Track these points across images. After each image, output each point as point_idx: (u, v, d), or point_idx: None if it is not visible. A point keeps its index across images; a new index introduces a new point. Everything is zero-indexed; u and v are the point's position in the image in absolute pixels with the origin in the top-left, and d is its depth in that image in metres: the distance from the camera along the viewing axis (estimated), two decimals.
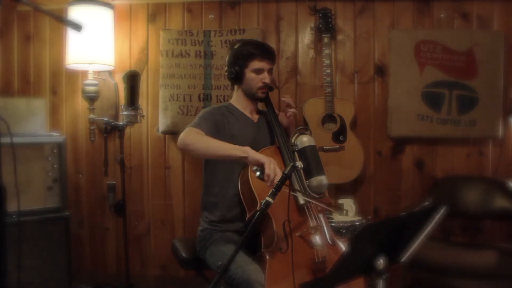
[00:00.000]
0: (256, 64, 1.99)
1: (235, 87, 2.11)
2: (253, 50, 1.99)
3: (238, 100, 2.10)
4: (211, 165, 2.05)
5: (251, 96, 2.06)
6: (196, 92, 2.83)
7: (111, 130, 2.88)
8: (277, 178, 1.60)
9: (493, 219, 2.69)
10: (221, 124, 1.99)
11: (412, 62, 2.73)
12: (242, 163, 1.94)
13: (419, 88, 2.73)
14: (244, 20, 2.88)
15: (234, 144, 1.89)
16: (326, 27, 2.68)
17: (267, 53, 2.02)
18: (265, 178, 1.63)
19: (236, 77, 2.02)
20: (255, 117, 2.14)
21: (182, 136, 1.87)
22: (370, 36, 2.83)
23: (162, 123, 2.86)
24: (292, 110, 2.16)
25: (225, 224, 2.00)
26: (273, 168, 1.64)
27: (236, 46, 2.04)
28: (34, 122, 2.62)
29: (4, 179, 1.53)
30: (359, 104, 2.83)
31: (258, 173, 1.65)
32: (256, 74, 2.00)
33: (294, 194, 1.82)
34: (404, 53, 2.74)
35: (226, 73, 2.08)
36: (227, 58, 2.06)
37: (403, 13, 2.81)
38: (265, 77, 2.01)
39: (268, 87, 2.05)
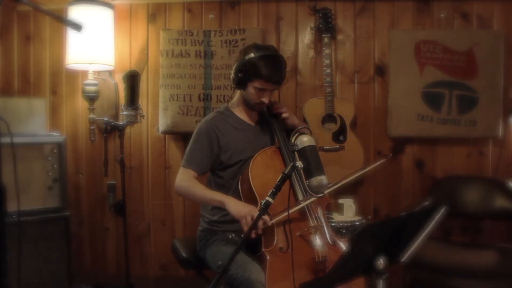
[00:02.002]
0: (260, 83, 1.93)
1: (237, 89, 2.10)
2: (262, 70, 1.90)
3: (237, 103, 2.09)
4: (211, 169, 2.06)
5: (248, 106, 2.05)
6: (196, 92, 2.83)
7: (111, 130, 2.88)
8: (260, 227, 1.69)
9: (493, 219, 2.69)
10: (215, 139, 2.00)
11: (412, 62, 2.73)
12: (244, 167, 1.96)
13: (419, 88, 2.73)
14: (244, 20, 2.88)
15: (234, 151, 1.98)
16: (326, 27, 2.68)
17: (274, 77, 1.95)
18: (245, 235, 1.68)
19: (238, 84, 2.00)
20: (254, 119, 2.13)
21: (176, 182, 2.00)
22: (370, 36, 2.83)
23: (162, 123, 2.86)
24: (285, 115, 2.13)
25: (225, 225, 1.99)
26: (250, 221, 1.70)
27: (247, 57, 1.94)
28: (34, 122, 2.62)
29: (4, 179, 1.53)
30: (359, 104, 2.83)
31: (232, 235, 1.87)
32: (258, 91, 1.96)
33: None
34: (404, 53, 2.74)
35: (231, 75, 2.03)
36: (236, 63, 2.00)
37: (403, 13, 2.81)
38: (265, 97, 1.97)
39: (265, 106, 2.03)
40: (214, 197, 1.90)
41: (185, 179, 1.97)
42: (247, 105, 2.05)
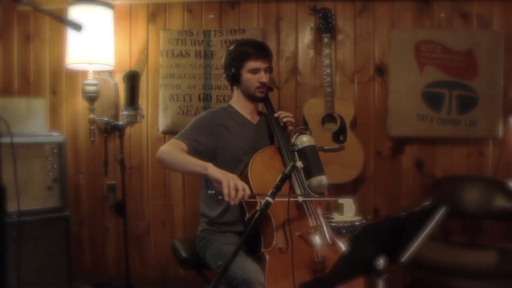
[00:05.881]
0: (251, 64, 1.97)
1: (234, 87, 2.11)
2: (247, 50, 1.98)
3: (237, 101, 2.10)
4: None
5: (250, 97, 2.05)
6: (196, 92, 2.83)
7: (111, 130, 2.89)
8: (240, 194, 1.62)
9: (493, 219, 2.69)
10: (215, 130, 1.98)
11: (412, 62, 2.73)
12: (242, 167, 1.95)
13: (419, 88, 2.73)
14: (244, 20, 2.89)
15: (233, 147, 1.96)
16: (326, 27, 2.68)
17: (261, 52, 2.00)
18: (225, 198, 1.63)
19: (233, 79, 2.02)
20: (255, 118, 2.13)
21: (161, 148, 1.90)
22: (370, 36, 2.83)
23: (162, 123, 2.86)
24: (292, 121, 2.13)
25: (225, 226, 1.99)
26: (233, 186, 1.64)
27: (231, 48, 2.03)
28: (34, 122, 2.62)
29: (4, 179, 1.53)
30: (359, 104, 2.83)
31: (212, 192, 1.66)
32: (253, 74, 1.98)
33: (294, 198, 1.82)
34: (404, 53, 2.74)
35: (224, 75, 2.08)
36: (223, 60, 2.06)
37: (403, 13, 2.81)
38: (262, 77, 1.99)
39: (266, 86, 2.04)
40: (197, 162, 1.80)
41: (172, 146, 1.89)
42: (248, 97, 2.05)
